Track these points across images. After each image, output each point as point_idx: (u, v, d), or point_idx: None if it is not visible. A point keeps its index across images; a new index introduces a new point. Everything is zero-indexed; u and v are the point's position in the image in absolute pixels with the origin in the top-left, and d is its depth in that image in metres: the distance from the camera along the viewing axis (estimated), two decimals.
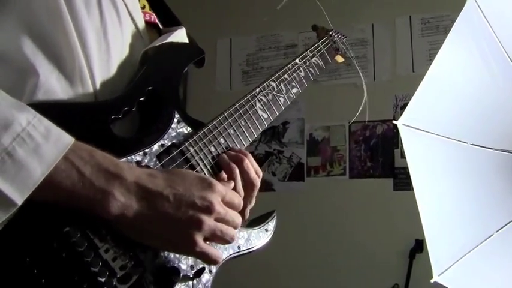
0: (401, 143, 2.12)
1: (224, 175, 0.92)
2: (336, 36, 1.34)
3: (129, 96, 0.85)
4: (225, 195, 0.83)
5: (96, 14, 0.84)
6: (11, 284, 0.68)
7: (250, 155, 0.96)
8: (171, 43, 0.96)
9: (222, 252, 0.92)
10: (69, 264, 0.71)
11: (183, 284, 0.84)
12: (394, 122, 1.96)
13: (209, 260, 0.81)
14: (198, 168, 0.90)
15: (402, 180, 3.10)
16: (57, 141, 0.69)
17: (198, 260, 0.84)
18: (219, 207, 0.80)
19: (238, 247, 0.96)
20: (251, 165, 0.94)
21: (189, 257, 0.85)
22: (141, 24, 0.94)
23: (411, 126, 1.94)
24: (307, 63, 1.20)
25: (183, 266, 0.85)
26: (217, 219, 0.80)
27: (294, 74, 1.15)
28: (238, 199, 0.87)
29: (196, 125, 0.93)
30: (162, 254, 0.82)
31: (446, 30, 2.51)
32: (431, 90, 1.89)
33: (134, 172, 0.76)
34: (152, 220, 0.75)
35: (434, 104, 1.95)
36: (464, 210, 2.01)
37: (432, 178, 2.01)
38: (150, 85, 0.88)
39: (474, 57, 1.92)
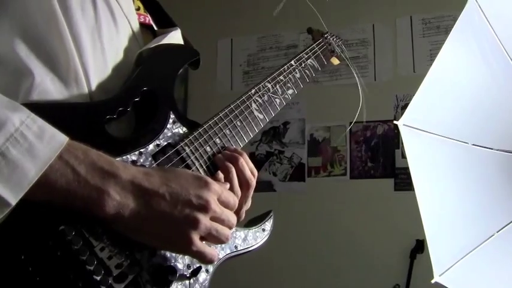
0: (402, 144, 2.12)
1: (221, 176, 0.92)
2: (331, 38, 1.35)
3: (123, 96, 0.85)
4: (221, 194, 0.83)
5: (90, 16, 0.84)
6: (6, 282, 0.68)
7: (245, 154, 0.96)
8: (166, 45, 0.96)
9: (219, 252, 0.92)
10: (64, 263, 0.71)
11: (180, 283, 0.84)
12: (395, 122, 1.95)
13: (205, 259, 0.80)
14: (193, 168, 0.91)
15: (403, 181, 3.10)
16: (51, 140, 0.69)
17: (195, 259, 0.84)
18: (215, 206, 0.80)
19: (236, 247, 0.97)
20: (246, 165, 0.95)
21: (186, 256, 0.85)
22: (136, 26, 0.94)
23: (412, 127, 1.93)
24: (303, 65, 1.21)
25: (180, 265, 0.85)
26: (212, 218, 0.80)
27: (290, 76, 1.16)
28: (233, 199, 0.87)
29: (192, 126, 0.94)
30: (158, 253, 0.82)
31: (447, 31, 2.50)
32: (432, 91, 1.89)
33: (130, 171, 0.75)
34: (148, 218, 0.75)
35: (435, 105, 1.95)
36: (465, 211, 2.00)
37: (433, 178, 2.00)
38: (145, 86, 0.88)
39: (475, 58, 1.92)
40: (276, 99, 1.10)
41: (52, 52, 0.79)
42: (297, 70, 1.18)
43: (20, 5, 0.78)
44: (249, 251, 1.00)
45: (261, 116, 1.06)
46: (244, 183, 0.94)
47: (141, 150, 0.85)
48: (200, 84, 3.56)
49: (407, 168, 1.95)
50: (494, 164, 2.01)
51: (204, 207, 0.78)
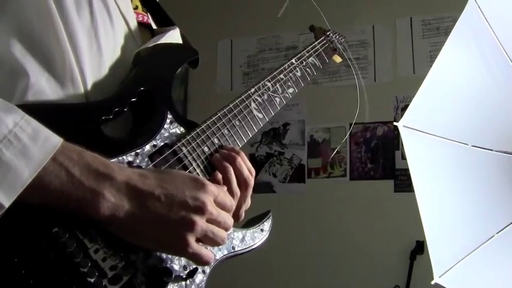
0: (402, 145, 2.12)
1: (219, 176, 0.91)
2: (333, 36, 1.33)
3: (120, 96, 0.85)
4: (218, 196, 0.81)
5: (87, 15, 0.84)
6: None
7: (242, 154, 0.94)
8: (164, 44, 0.95)
9: (216, 253, 0.91)
10: (58, 265, 0.70)
11: (176, 284, 0.83)
12: (395, 123, 1.95)
13: (201, 261, 0.79)
14: (190, 169, 0.89)
15: (403, 182, 3.09)
16: (45, 142, 0.69)
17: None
18: (212, 208, 0.79)
19: (233, 247, 0.95)
20: (244, 164, 0.93)
21: (182, 258, 0.84)
22: (134, 25, 0.93)
23: (412, 128, 1.93)
24: (304, 63, 1.18)
25: (176, 267, 0.84)
26: (209, 220, 0.79)
27: (290, 74, 1.14)
28: (230, 200, 0.85)
29: (190, 126, 0.92)
30: (154, 254, 0.81)
31: (447, 32, 2.50)
32: (432, 92, 1.88)
33: (125, 172, 0.75)
34: (143, 220, 0.74)
35: (435, 106, 1.94)
36: (465, 212, 2.00)
37: (433, 179, 2.00)
38: (142, 86, 0.87)
39: (475, 59, 1.91)
40: (276, 98, 1.08)
41: (48, 52, 0.79)
42: (298, 68, 1.16)
43: (15, 5, 0.77)
44: (247, 251, 0.98)
45: (261, 116, 1.04)
46: (242, 182, 0.93)
47: (138, 150, 0.83)
48: (200, 85, 3.56)
49: (407, 169, 1.95)
50: (494, 165, 2.01)
51: (200, 209, 0.77)
